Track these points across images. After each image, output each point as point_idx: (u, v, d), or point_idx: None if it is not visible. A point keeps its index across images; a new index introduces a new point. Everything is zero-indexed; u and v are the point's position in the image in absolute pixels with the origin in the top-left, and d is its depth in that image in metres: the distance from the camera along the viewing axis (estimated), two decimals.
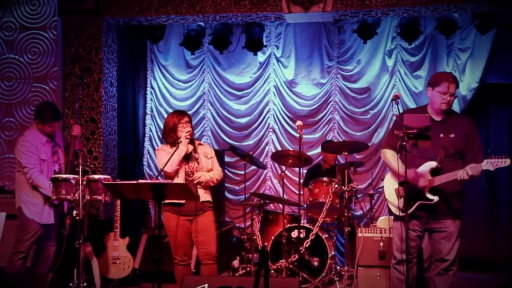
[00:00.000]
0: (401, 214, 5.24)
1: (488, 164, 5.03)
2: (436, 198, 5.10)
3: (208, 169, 6.12)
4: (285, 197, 7.58)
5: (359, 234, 7.18)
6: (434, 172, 5.15)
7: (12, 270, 6.31)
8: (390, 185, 5.45)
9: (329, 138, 9.23)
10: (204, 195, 6.06)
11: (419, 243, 5.32)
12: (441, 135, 5.15)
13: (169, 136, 6.08)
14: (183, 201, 5.92)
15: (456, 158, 5.22)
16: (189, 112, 9.38)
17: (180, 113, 6.18)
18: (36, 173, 6.34)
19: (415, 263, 5.24)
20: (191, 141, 6.11)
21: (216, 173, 6.17)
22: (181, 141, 5.93)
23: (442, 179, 5.14)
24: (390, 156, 5.39)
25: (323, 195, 7.59)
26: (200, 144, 6.26)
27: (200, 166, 6.06)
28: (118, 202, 7.43)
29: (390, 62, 9.12)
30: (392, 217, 5.57)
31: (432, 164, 5.15)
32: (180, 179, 5.96)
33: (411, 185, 5.16)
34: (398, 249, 5.34)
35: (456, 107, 8.87)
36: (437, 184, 5.12)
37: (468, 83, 8.86)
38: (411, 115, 5.20)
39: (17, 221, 6.49)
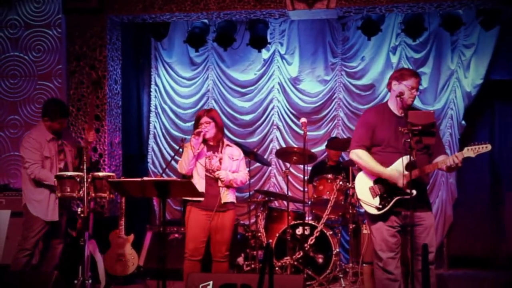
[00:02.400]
0: (379, 212, 5.20)
1: (469, 151, 5.04)
2: (414, 192, 5.02)
3: (232, 170, 6.15)
4: (290, 194, 7.59)
5: (364, 231, 7.16)
6: (408, 166, 5.10)
7: (17, 267, 6.31)
8: (362, 184, 5.34)
9: (334, 135, 9.23)
10: (227, 196, 6.08)
11: (399, 238, 5.27)
12: (400, 129, 5.08)
13: None
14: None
15: (424, 152, 5.21)
16: (193, 110, 9.53)
17: (199, 113, 6.19)
18: (38, 168, 6.34)
19: (398, 259, 5.24)
20: (219, 141, 6.18)
21: (240, 175, 6.20)
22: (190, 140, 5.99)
23: (430, 168, 5.17)
24: (365, 156, 5.29)
25: (328, 192, 7.58)
26: (228, 145, 6.27)
27: (223, 166, 6.09)
28: (123, 199, 7.45)
29: (394, 59, 9.10)
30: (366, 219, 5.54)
31: (407, 158, 5.12)
32: (196, 177, 5.99)
33: (387, 181, 5.17)
34: (382, 249, 5.23)
35: (460, 103, 8.88)
36: (418, 176, 5.07)
37: (472, 79, 8.85)
38: (416, 112, 5.20)
39: (22, 219, 6.50)
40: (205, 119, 6.06)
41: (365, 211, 5.36)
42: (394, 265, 5.23)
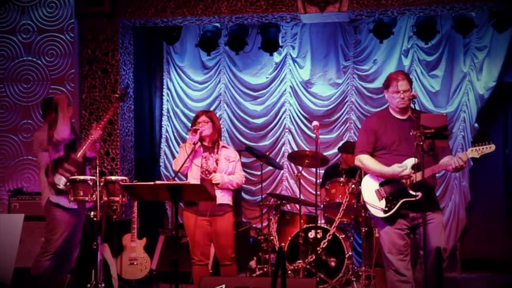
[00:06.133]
0: (385, 215, 5.24)
1: (474, 152, 5.11)
2: (419, 194, 5.07)
3: (228, 172, 6.15)
4: (302, 197, 7.58)
5: (377, 234, 7.15)
6: (414, 168, 5.13)
7: (38, 271, 6.25)
8: (369, 188, 5.40)
9: (346, 138, 9.21)
10: (222, 198, 6.07)
11: (408, 241, 5.31)
12: (412, 133, 5.10)
13: None
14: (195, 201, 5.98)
15: (429, 154, 5.21)
16: None
17: (197, 113, 6.25)
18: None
19: (409, 261, 5.28)
20: (215, 142, 6.19)
21: (236, 177, 6.20)
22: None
23: (435, 169, 5.20)
24: (368, 160, 5.37)
25: (340, 196, 7.57)
26: (224, 147, 6.29)
27: (219, 167, 6.10)
28: (135, 203, 7.46)
29: (406, 62, 9.07)
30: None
31: (412, 160, 5.13)
32: (190, 179, 6.00)
33: (393, 183, 5.22)
34: (391, 252, 5.28)
35: (473, 106, 8.83)
36: (425, 177, 5.06)
37: (485, 82, 8.80)
38: (428, 114, 5.22)
39: (45, 221, 6.45)
40: (203, 118, 6.12)
41: (373, 214, 5.38)
42: (405, 266, 5.27)
